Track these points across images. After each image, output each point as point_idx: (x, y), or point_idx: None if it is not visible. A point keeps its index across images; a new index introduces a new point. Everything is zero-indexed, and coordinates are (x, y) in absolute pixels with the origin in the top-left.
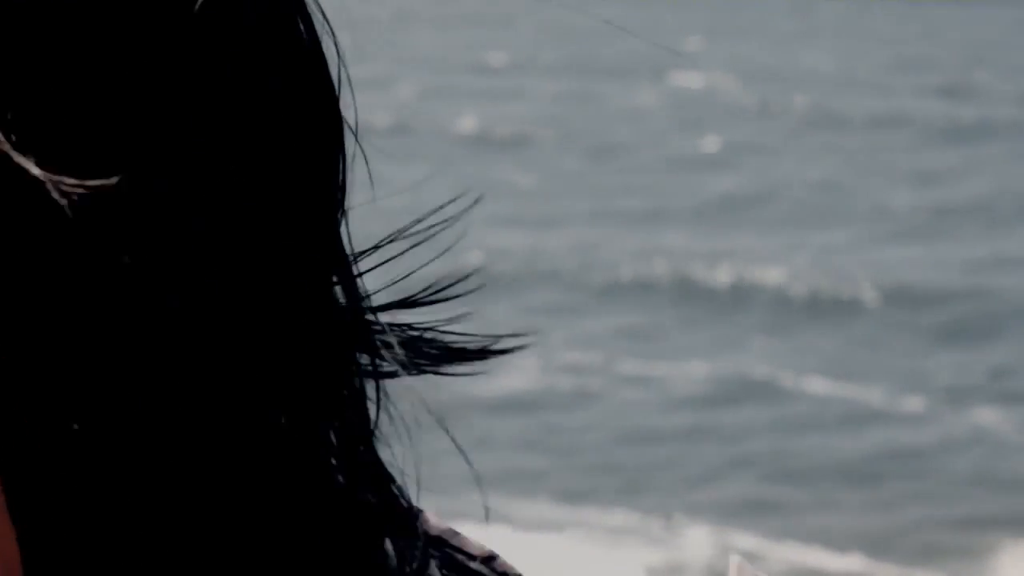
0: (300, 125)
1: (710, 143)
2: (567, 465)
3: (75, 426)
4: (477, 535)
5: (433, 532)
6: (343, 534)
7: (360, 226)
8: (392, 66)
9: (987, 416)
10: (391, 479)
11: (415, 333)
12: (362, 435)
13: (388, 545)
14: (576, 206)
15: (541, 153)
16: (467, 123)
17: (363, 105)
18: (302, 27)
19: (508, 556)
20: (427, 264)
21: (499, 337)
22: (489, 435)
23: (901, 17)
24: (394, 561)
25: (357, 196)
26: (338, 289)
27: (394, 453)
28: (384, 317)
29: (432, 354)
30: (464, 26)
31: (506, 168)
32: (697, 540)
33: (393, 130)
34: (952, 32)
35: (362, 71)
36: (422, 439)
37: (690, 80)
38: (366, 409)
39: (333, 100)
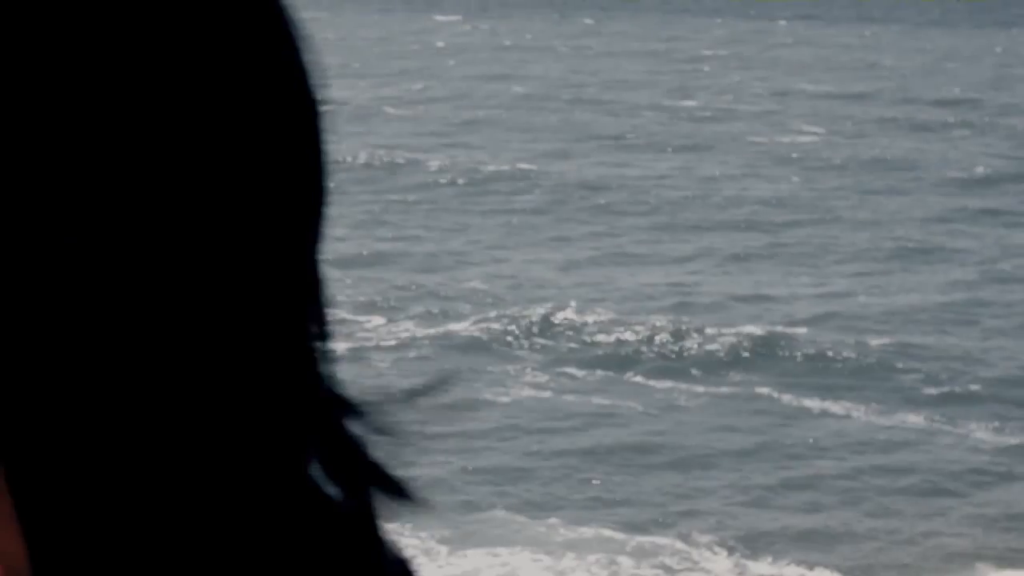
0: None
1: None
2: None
3: (76, 428)
4: (500, 558)
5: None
6: (316, 536)
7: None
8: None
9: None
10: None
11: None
12: (334, 446)
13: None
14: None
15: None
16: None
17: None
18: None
19: None
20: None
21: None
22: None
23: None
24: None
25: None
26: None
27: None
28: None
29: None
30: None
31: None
32: (717, 567)
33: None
34: (955, 62)
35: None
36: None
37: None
38: (335, 425)
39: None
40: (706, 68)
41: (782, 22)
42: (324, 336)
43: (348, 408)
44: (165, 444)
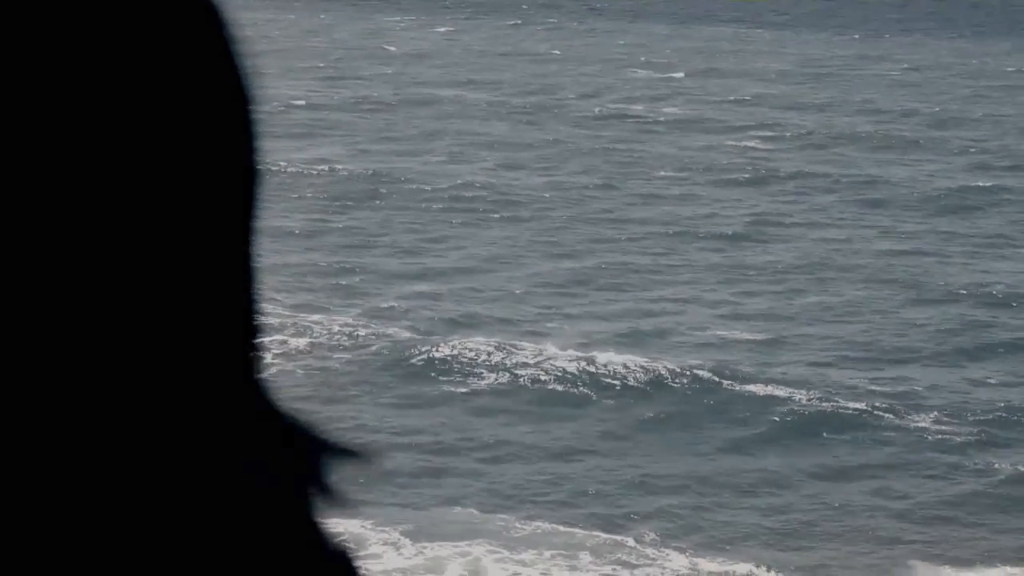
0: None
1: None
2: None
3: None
4: (460, 550)
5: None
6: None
7: None
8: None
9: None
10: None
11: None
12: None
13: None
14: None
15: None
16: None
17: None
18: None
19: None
20: None
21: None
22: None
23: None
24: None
25: None
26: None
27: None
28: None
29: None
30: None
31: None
32: (677, 564)
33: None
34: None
35: None
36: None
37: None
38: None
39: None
40: (672, 76)
41: (742, 30)
42: (255, 334)
43: (279, 410)
44: (114, 439)
